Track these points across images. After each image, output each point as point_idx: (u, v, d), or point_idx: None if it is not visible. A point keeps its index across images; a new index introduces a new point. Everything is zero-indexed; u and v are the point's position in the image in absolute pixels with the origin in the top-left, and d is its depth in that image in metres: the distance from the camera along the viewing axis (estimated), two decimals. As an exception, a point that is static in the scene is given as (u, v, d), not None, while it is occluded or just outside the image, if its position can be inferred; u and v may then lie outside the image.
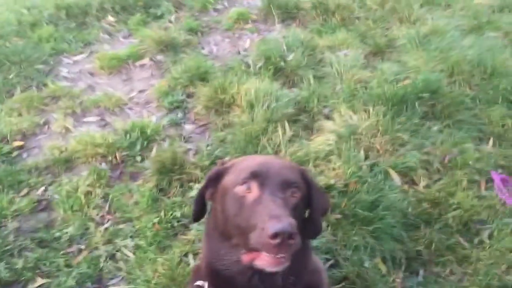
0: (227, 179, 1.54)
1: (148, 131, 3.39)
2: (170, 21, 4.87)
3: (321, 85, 3.72)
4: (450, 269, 2.52)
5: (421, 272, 2.53)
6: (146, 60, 4.28)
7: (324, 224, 2.68)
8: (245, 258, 1.43)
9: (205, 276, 1.58)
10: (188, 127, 3.56)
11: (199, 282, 1.58)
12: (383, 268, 2.50)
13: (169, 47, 4.36)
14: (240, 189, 1.46)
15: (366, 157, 3.06)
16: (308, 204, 1.57)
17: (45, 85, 3.95)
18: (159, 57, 4.29)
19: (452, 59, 3.87)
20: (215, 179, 1.60)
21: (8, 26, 4.63)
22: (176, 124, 3.57)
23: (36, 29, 4.62)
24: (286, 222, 1.29)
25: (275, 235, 1.27)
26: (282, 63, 3.96)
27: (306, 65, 3.97)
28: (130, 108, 3.77)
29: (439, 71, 3.80)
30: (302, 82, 3.80)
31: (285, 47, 4.13)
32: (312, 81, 3.77)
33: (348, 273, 2.46)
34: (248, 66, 4.03)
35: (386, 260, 2.54)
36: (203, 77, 3.88)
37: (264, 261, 1.37)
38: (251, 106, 3.43)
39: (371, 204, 2.70)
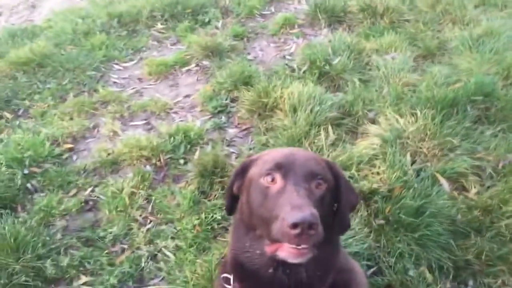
0: (253, 171, 1.53)
1: (192, 135, 3.42)
2: (217, 27, 4.93)
3: (366, 89, 3.63)
4: (502, 280, 2.37)
5: (471, 282, 2.40)
6: (192, 66, 4.35)
7: (366, 229, 2.60)
8: (269, 249, 1.40)
9: (230, 269, 1.57)
10: (231, 131, 3.58)
11: (225, 275, 1.56)
12: (429, 277, 2.39)
13: (215, 52, 4.41)
14: (264, 180, 1.44)
15: (413, 162, 2.95)
16: (336, 198, 1.52)
17: (96, 90, 4.09)
18: (205, 62, 4.35)
19: (508, 61, 3.69)
20: (242, 172, 1.59)
21: (63, 35, 4.84)
22: (219, 128, 3.59)
23: (89, 37, 4.80)
24: (307, 212, 1.25)
25: (295, 225, 1.24)
26: (327, 67, 3.90)
27: (352, 68, 3.90)
28: (175, 112, 3.83)
29: (493, 73, 3.63)
30: (347, 86, 3.73)
31: (330, 51, 4.06)
32: (357, 84, 3.69)
33: (391, 281, 2.37)
34: (292, 70, 4.01)
35: (432, 269, 2.43)
36: (247, 82, 3.88)
37: (287, 252, 1.34)
38: (294, 109, 3.39)
39: (416, 210, 2.59)
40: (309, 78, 3.82)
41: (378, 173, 2.85)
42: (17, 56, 4.41)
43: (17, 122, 3.73)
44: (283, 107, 3.47)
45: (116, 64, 4.51)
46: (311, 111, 3.33)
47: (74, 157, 3.43)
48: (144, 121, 3.74)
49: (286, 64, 4.14)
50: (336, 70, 3.87)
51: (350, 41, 4.22)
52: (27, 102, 3.97)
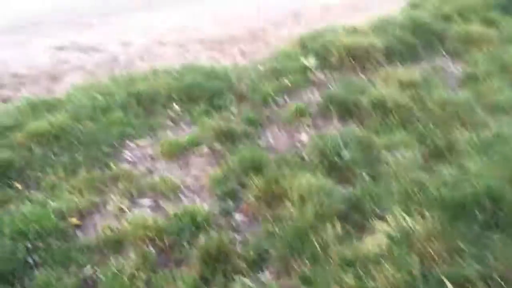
0: None
1: (198, 218, 3.42)
2: (231, 112, 5.08)
3: (375, 184, 3.65)
4: None
5: None
6: (204, 148, 4.43)
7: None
8: None
9: None
10: (238, 217, 3.57)
11: None
12: None
13: (228, 136, 4.50)
14: None
15: (420, 264, 2.89)
16: None
17: (108, 166, 4.15)
18: (217, 146, 4.43)
19: (516, 166, 3.72)
20: None
21: (83, 109, 5.00)
22: (226, 213, 3.59)
23: (107, 113, 4.94)
24: None
25: None
26: (337, 159, 3.95)
27: (361, 163, 3.95)
28: (183, 194, 3.86)
29: (502, 178, 3.64)
30: (356, 180, 3.76)
31: (341, 144, 4.14)
32: (366, 179, 3.72)
33: None
34: (303, 159, 4.07)
35: None
36: (258, 168, 3.93)
37: None
38: (302, 200, 3.41)
39: (423, 317, 2.52)
40: (319, 169, 3.87)
41: (384, 273, 2.79)
42: (35, 127, 4.54)
43: (27, 194, 3.77)
44: (291, 196, 3.49)
45: (131, 141, 4.61)
46: (319, 203, 3.34)
47: (79, 233, 3.41)
48: (152, 200, 3.75)
49: (297, 153, 4.21)
50: (345, 163, 3.92)
51: (360, 135, 4.31)
52: (39, 174, 4.02)
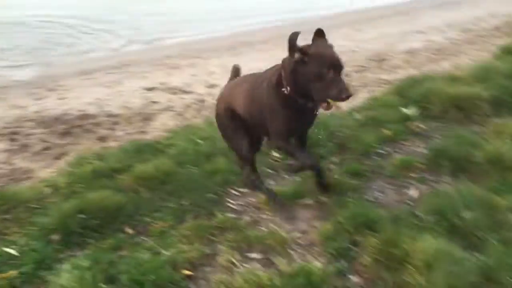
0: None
1: (314, 278, 3.25)
2: (332, 162, 4.93)
3: (509, 253, 3.32)
4: None
5: None
6: (309, 200, 4.28)
7: None
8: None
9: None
10: (354, 279, 3.36)
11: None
12: None
13: (332, 188, 4.33)
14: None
15: None
16: None
17: (213, 214, 4.10)
18: (323, 198, 4.27)
19: None
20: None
21: (185, 155, 5.04)
22: (340, 273, 3.40)
23: (210, 159, 4.95)
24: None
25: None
26: (457, 221, 3.67)
27: (486, 226, 3.63)
28: (293, 249, 3.71)
29: None
30: (484, 246, 3.45)
31: (460, 204, 3.85)
32: (497, 246, 3.40)
33: None
34: (419, 219, 3.81)
35: None
36: (370, 226, 3.72)
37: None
38: (429, 267, 3.14)
39: None
40: (438, 231, 3.60)
41: None
42: (141, 171, 4.61)
43: (138, 240, 3.78)
44: (414, 262, 3.24)
45: (234, 189, 4.56)
46: (450, 272, 3.06)
47: (192, 286, 3.34)
48: (262, 255, 3.63)
49: (410, 211, 3.96)
50: (468, 226, 3.62)
51: (480, 195, 3.99)
52: (147, 219, 4.04)
